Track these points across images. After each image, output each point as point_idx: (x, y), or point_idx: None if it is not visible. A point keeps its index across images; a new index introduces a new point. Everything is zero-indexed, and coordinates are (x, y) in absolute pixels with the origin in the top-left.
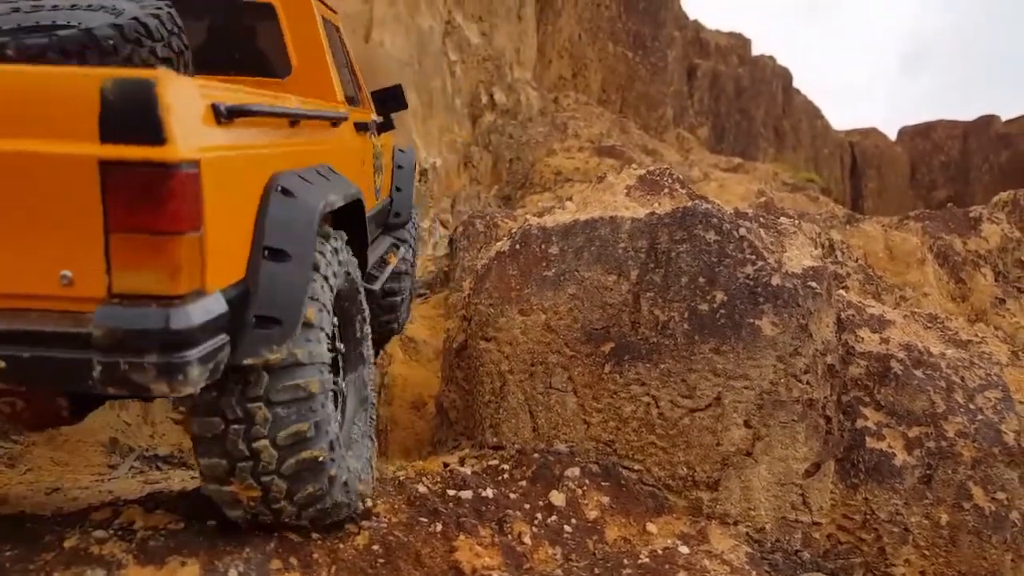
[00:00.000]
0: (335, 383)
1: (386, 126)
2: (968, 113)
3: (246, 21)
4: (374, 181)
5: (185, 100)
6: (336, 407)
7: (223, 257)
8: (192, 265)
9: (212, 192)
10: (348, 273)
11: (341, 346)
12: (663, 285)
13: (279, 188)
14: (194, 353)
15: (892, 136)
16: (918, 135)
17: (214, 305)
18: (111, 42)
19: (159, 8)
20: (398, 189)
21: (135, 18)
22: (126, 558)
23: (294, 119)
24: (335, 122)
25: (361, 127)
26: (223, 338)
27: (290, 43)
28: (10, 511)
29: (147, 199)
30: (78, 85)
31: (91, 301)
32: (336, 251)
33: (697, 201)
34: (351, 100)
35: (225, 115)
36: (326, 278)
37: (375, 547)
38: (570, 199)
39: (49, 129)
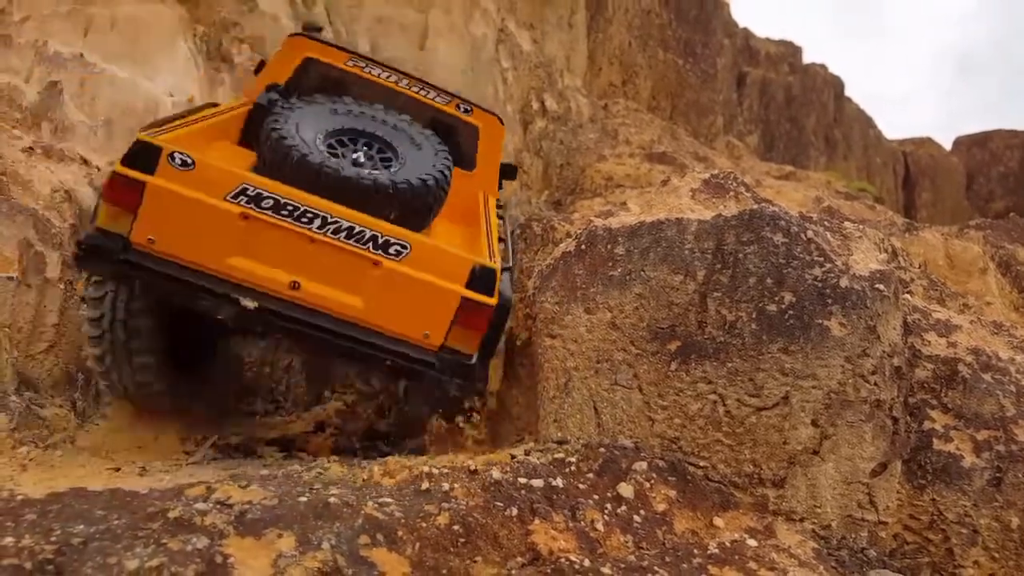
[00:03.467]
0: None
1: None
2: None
3: (462, 132)
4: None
5: (501, 278)
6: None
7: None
8: (477, 343)
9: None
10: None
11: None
12: (730, 285)
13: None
14: (476, 381)
15: (947, 145)
16: (975, 145)
17: (476, 359)
18: (418, 190)
19: (447, 164)
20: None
21: (439, 173)
22: (227, 528)
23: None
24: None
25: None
26: (485, 371)
27: (480, 152)
28: (108, 487)
29: (476, 316)
30: (465, 261)
31: (433, 347)
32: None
33: (763, 204)
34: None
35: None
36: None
37: (455, 527)
38: (624, 204)
39: (446, 275)
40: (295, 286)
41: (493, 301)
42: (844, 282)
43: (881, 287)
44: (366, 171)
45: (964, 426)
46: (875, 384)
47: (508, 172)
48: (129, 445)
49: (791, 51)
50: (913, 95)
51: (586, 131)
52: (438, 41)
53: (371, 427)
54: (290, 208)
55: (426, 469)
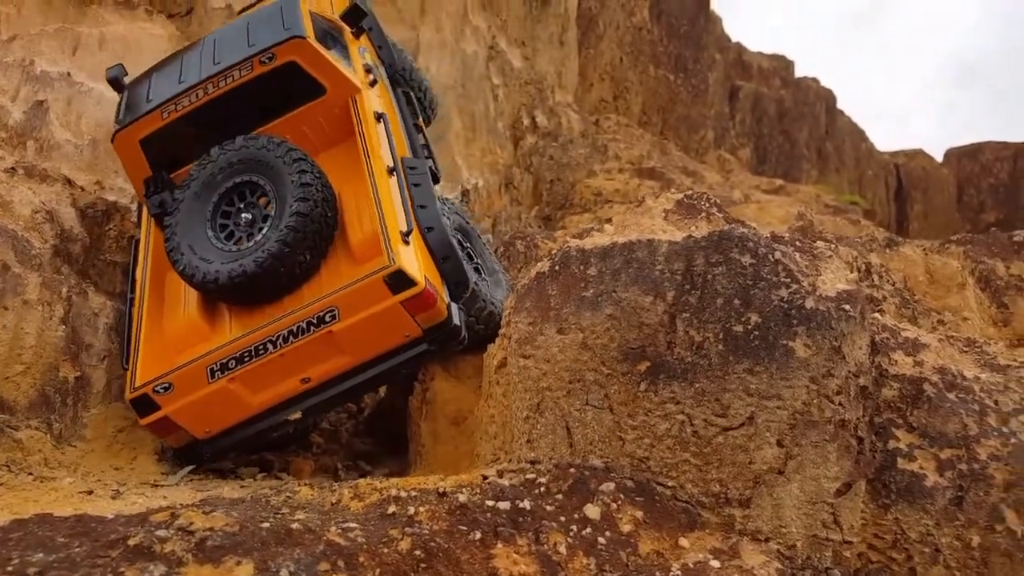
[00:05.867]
0: (476, 266)
1: None
2: (1020, 134)
3: (285, 76)
4: None
5: (419, 268)
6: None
7: (442, 292)
8: (442, 308)
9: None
10: (457, 214)
11: (479, 260)
12: (699, 306)
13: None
14: (462, 339)
15: (940, 158)
16: (966, 156)
17: (457, 311)
18: (265, 270)
19: (297, 212)
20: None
21: (279, 243)
22: (186, 556)
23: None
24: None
25: None
26: (462, 315)
27: (315, 73)
28: (75, 512)
29: (420, 301)
30: (376, 284)
31: (418, 335)
32: (449, 210)
33: (733, 225)
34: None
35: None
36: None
37: (417, 552)
38: (609, 221)
39: (375, 299)
40: (306, 381)
41: (420, 285)
42: (809, 303)
43: (847, 307)
44: (222, 265)
45: (928, 445)
46: (840, 404)
47: (352, 17)
48: (106, 466)
49: (783, 65)
50: (914, 108)
51: (576, 147)
52: (429, 58)
53: (352, 446)
54: (247, 354)
55: (395, 492)
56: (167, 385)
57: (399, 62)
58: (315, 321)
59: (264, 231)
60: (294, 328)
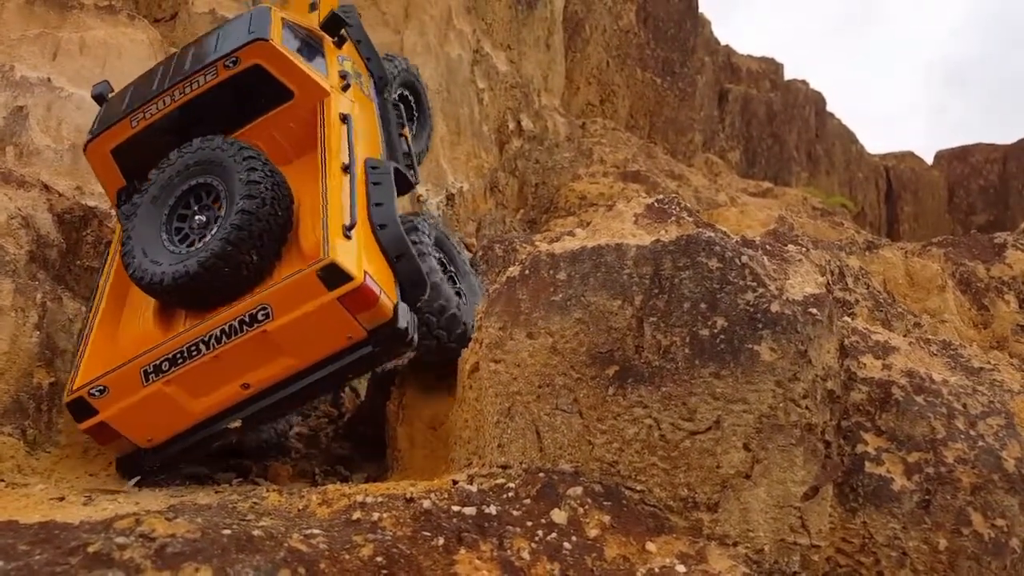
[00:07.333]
0: (458, 290)
1: None
2: (1011, 136)
3: (251, 80)
4: None
5: (357, 263)
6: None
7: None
8: (386, 308)
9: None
10: (436, 226)
11: (452, 268)
12: (666, 310)
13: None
14: (409, 341)
15: (930, 160)
16: (956, 158)
17: (406, 312)
18: (208, 270)
19: (243, 210)
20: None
21: (222, 242)
22: (144, 563)
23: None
24: None
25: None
26: (413, 317)
27: (281, 76)
28: (41, 519)
29: (360, 298)
30: (310, 279)
31: (363, 336)
32: (424, 224)
33: (702, 229)
34: None
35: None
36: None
37: (379, 559)
38: (589, 224)
39: (309, 296)
40: (246, 386)
41: (358, 280)
42: (775, 307)
43: (814, 311)
44: (168, 266)
45: (896, 449)
46: (806, 408)
47: (331, 26)
48: (80, 472)
49: (773, 67)
50: (904, 111)
51: (562, 150)
52: (413, 62)
53: (331, 451)
54: (180, 355)
55: (361, 498)
56: (102, 388)
57: (398, 72)
58: (247, 319)
59: (213, 232)
60: (226, 327)
